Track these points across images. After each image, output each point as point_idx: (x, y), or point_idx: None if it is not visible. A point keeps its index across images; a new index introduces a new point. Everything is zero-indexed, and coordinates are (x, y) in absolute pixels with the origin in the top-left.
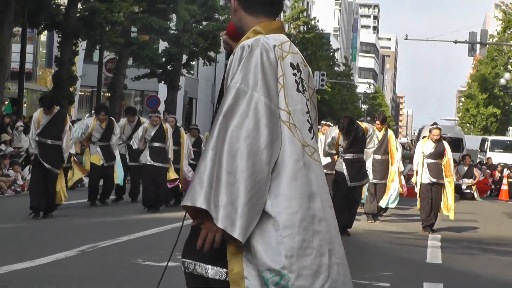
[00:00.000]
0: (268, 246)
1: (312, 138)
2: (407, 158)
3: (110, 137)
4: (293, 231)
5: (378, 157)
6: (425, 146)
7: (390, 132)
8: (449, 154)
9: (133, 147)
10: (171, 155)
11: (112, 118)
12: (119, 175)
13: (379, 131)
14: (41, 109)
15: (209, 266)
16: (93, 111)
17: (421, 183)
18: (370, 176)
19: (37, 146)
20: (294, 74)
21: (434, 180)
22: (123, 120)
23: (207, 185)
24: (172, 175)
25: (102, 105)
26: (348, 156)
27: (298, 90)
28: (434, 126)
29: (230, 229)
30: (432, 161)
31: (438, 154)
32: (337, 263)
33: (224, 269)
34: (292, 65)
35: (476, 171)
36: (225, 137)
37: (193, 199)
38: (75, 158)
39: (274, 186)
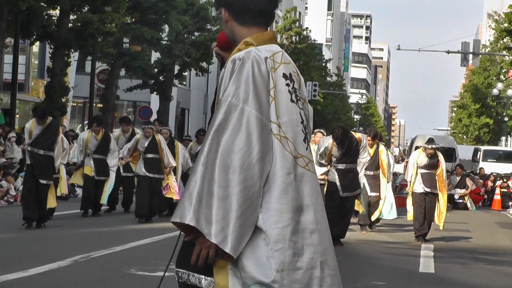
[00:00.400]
0: (258, 260)
1: (307, 149)
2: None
3: (105, 151)
4: (284, 245)
5: (370, 173)
6: (419, 158)
7: (381, 147)
8: (443, 165)
9: (121, 155)
10: (169, 163)
11: (110, 133)
12: (106, 194)
13: (370, 147)
14: (33, 119)
15: (203, 276)
16: (86, 125)
17: (414, 192)
18: (368, 189)
19: (29, 156)
20: (287, 85)
21: (428, 189)
22: (117, 131)
23: (196, 201)
24: (164, 182)
25: (94, 117)
26: (341, 166)
27: (292, 100)
28: (429, 146)
29: (222, 245)
30: (426, 171)
31: (432, 165)
32: (330, 275)
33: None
34: (284, 75)
35: (468, 181)
36: (217, 152)
37: (181, 215)
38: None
39: (265, 200)
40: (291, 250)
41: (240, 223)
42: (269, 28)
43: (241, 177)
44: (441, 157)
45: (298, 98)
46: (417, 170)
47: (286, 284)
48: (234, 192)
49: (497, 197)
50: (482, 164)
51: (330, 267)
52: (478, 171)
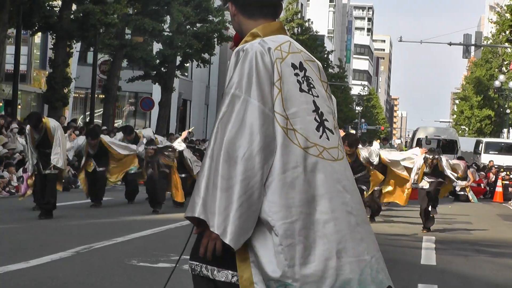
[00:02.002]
0: (270, 256)
1: (321, 137)
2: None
3: (102, 155)
4: (293, 240)
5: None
6: (424, 169)
7: (358, 150)
8: (447, 172)
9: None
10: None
11: (104, 141)
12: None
13: (350, 159)
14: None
15: (216, 268)
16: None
17: (420, 189)
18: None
19: (36, 155)
20: (296, 74)
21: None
22: (119, 135)
23: (204, 195)
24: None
25: (90, 130)
26: None
27: (301, 90)
28: (431, 156)
29: (223, 236)
30: (432, 180)
31: (436, 173)
32: (350, 262)
33: (230, 271)
34: (293, 65)
35: (470, 173)
36: (221, 143)
37: (192, 209)
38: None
39: (271, 195)
40: (301, 245)
41: (240, 214)
42: (276, 19)
43: (241, 168)
44: (443, 163)
45: (311, 86)
46: (422, 176)
47: (299, 279)
48: (235, 182)
49: (498, 189)
50: (483, 156)
51: (350, 254)
52: (481, 164)
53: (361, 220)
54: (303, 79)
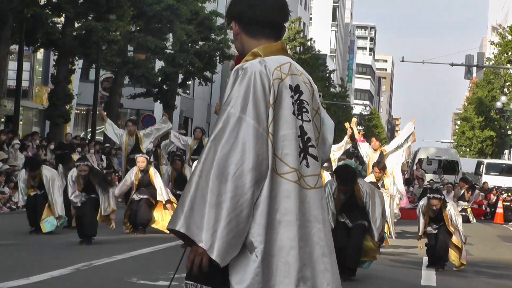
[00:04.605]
0: (240, 275)
1: (301, 163)
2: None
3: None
4: (261, 263)
5: None
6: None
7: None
8: (452, 217)
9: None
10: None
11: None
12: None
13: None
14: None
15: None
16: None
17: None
18: None
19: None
20: (292, 97)
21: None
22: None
23: (188, 208)
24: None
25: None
26: None
27: (293, 113)
28: (432, 195)
29: (209, 251)
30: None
31: (439, 219)
32: None
33: None
34: (290, 86)
35: (467, 194)
36: (212, 160)
37: (173, 222)
38: None
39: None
40: (266, 269)
41: (227, 231)
42: (279, 40)
43: (231, 185)
44: (449, 209)
45: (304, 110)
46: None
47: None
48: (225, 199)
49: (499, 210)
50: (484, 177)
51: (308, 284)
52: (482, 185)
53: (328, 251)
54: (296, 102)
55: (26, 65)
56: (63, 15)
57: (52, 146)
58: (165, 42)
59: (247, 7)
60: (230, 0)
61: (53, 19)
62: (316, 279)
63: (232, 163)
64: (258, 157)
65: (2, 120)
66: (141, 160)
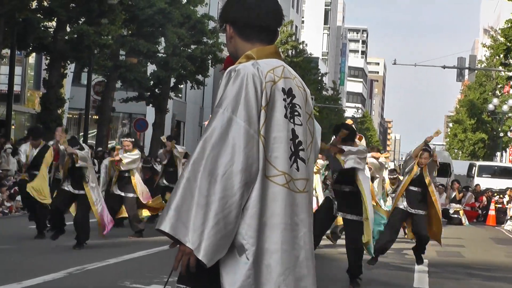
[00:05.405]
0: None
1: (291, 166)
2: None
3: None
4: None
5: None
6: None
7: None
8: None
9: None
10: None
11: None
12: None
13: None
14: (29, 143)
15: None
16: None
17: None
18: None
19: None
20: (284, 100)
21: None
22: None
23: (174, 208)
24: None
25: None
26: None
27: (285, 116)
28: (424, 148)
29: (196, 251)
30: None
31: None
32: None
33: None
34: (283, 90)
35: (458, 195)
36: (201, 161)
37: (160, 222)
38: None
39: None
40: (254, 271)
41: (215, 231)
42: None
43: (220, 186)
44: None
45: (296, 113)
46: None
47: None
48: (213, 200)
49: (491, 212)
50: (477, 179)
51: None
52: (474, 188)
53: (311, 256)
54: (288, 105)
55: (18, 70)
56: (55, 19)
57: None
58: (157, 46)
59: (243, 10)
60: (224, 3)
61: (45, 23)
62: (295, 283)
63: (221, 164)
64: (248, 159)
65: None
66: (126, 144)
